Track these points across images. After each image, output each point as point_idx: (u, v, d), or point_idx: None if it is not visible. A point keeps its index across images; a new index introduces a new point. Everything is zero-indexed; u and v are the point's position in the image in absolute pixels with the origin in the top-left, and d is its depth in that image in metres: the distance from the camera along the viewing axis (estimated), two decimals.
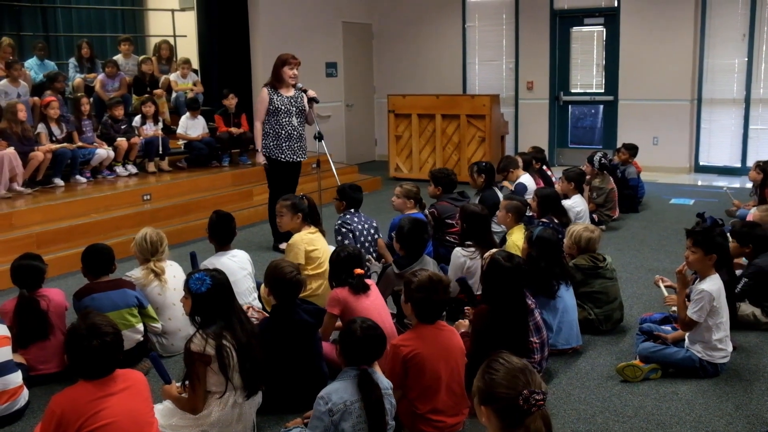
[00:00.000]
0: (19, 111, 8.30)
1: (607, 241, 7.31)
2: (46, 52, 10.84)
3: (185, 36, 12.48)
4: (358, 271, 4.35)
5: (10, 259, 4.86)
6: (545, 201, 6.31)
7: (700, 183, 11.43)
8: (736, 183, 10.93)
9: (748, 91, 11.56)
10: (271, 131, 7.29)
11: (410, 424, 3.68)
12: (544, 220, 6.20)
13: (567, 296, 4.77)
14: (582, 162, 9.04)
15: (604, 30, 12.43)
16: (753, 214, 6.67)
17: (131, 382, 3.16)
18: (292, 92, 7.37)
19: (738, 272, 5.24)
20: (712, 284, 4.30)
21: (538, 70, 12.82)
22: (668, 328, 4.72)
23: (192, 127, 10.12)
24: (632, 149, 9.45)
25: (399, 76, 13.97)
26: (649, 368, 4.40)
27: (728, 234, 5.15)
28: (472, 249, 5.29)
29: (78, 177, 8.96)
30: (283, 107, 7.25)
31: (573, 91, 12.85)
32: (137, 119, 9.81)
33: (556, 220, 6.20)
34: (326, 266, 5.53)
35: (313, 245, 5.51)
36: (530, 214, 6.46)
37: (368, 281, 4.44)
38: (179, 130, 10.13)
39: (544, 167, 8.84)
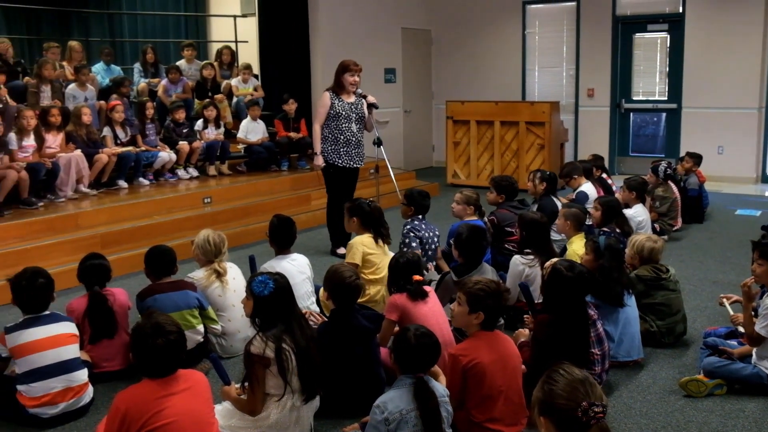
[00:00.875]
0: (84, 114, 8.51)
1: (670, 252, 7.16)
2: (113, 57, 11.11)
3: (246, 41, 12.65)
4: (417, 277, 4.33)
5: (76, 258, 4.98)
6: (608, 210, 6.21)
7: (767, 194, 11.12)
8: None
9: None
10: (330, 136, 7.33)
11: None
12: (605, 229, 6.10)
13: (629, 307, 4.68)
14: (643, 171, 8.88)
15: (668, 36, 12.19)
16: None
17: (193, 383, 3.20)
18: (352, 98, 7.41)
19: None
20: None
21: (599, 77, 12.64)
22: (734, 342, 4.59)
23: (252, 131, 10.24)
24: (696, 158, 9.24)
25: (457, 83, 13.93)
26: (714, 383, 4.28)
27: None
28: (531, 257, 5.23)
29: (141, 179, 9.14)
30: (343, 112, 7.29)
31: (635, 98, 12.63)
32: (199, 123, 9.97)
33: (617, 230, 6.10)
34: (384, 272, 5.56)
35: (372, 249, 5.54)
36: (589, 222, 6.36)
37: (427, 288, 4.43)
38: (239, 135, 10.26)
39: (604, 175, 8.70)
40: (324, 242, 7.91)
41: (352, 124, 7.35)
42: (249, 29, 12.78)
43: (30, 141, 7.87)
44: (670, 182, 8.35)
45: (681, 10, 11.91)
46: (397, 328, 4.32)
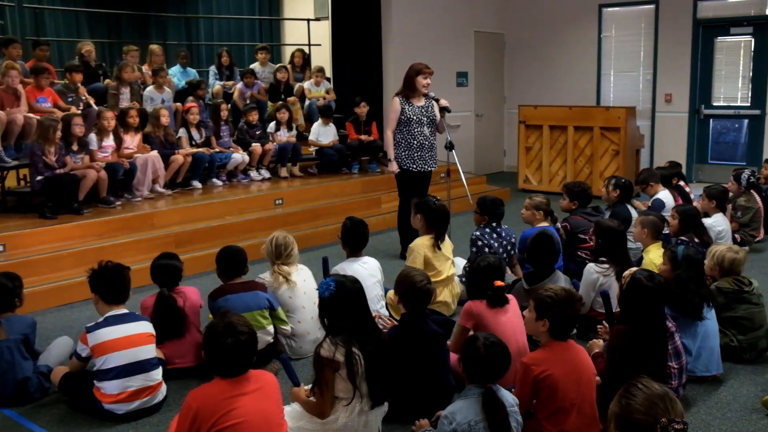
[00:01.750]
0: (162, 116, 8.70)
1: (751, 264, 6.90)
2: (189, 60, 11.33)
3: (319, 45, 12.76)
4: (499, 283, 4.25)
5: (151, 257, 5.07)
6: (686, 218, 6.02)
7: None
8: None
9: None
10: (403, 141, 7.30)
11: None
12: (683, 238, 5.92)
13: (709, 321, 4.51)
14: (722, 179, 8.60)
15: (753, 40, 11.79)
16: None
17: (263, 383, 3.21)
18: (423, 101, 7.37)
19: None
20: None
21: (677, 82, 12.30)
22: None
23: (323, 134, 10.30)
24: None
25: (530, 87, 13.76)
26: None
27: None
28: (606, 266, 5.11)
29: (214, 180, 9.29)
30: (414, 117, 7.26)
31: (715, 104, 12.25)
32: (272, 125, 10.08)
33: (696, 239, 5.91)
34: (446, 274, 5.53)
35: (433, 253, 5.52)
36: (666, 231, 6.18)
37: (509, 295, 4.35)
38: (311, 137, 10.33)
39: (682, 183, 8.46)
40: (394, 245, 7.89)
41: (424, 128, 7.31)
42: (322, 32, 12.89)
43: (109, 141, 8.08)
44: (752, 191, 8.06)
45: (767, 13, 11.50)
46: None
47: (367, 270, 5.21)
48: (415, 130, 7.27)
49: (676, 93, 12.32)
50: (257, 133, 9.82)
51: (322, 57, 12.67)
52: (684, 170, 9.52)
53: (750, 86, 11.89)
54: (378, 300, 5.25)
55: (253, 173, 9.73)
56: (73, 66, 8.96)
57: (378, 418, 3.68)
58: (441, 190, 8.38)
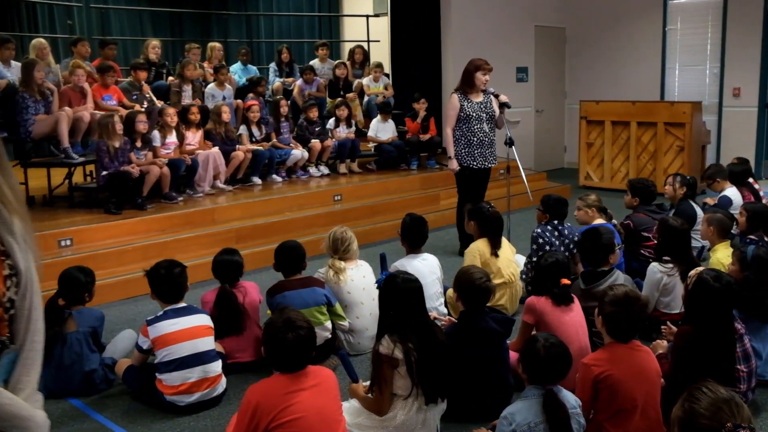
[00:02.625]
0: (223, 113, 8.81)
1: None
2: (249, 57, 11.44)
3: (378, 41, 12.76)
4: (565, 281, 4.19)
5: (212, 252, 5.13)
6: (755, 216, 5.83)
7: None
8: None
9: None
10: (463, 138, 7.25)
11: None
12: (752, 237, 5.74)
13: None
14: None
15: None
16: None
17: (322, 379, 3.21)
18: (481, 97, 7.30)
19: None
20: None
21: (746, 76, 11.94)
22: None
23: (382, 130, 10.30)
24: None
25: (592, 82, 13.54)
26: None
27: None
28: (670, 265, 4.99)
29: (274, 176, 9.37)
30: (474, 113, 7.19)
31: None
32: (331, 122, 10.12)
33: (766, 238, 5.72)
34: (505, 277, 5.47)
35: (489, 255, 5.47)
36: (735, 230, 6.00)
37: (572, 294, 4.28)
38: (370, 133, 10.34)
39: (751, 180, 8.21)
40: (452, 242, 7.85)
41: (484, 124, 7.25)
42: (381, 28, 12.89)
43: (172, 138, 8.22)
44: None
45: None
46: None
47: (426, 267, 5.18)
48: (475, 126, 7.20)
49: (745, 87, 11.96)
50: (316, 129, 9.87)
51: (380, 53, 12.67)
52: (752, 167, 9.23)
53: None
54: (437, 297, 5.22)
55: (312, 169, 9.78)
56: (138, 64, 9.13)
57: (436, 416, 3.66)
58: (500, 187, 8.32)
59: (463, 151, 7.25)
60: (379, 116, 10.34)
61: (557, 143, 14.16)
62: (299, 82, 10.86)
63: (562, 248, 5.76)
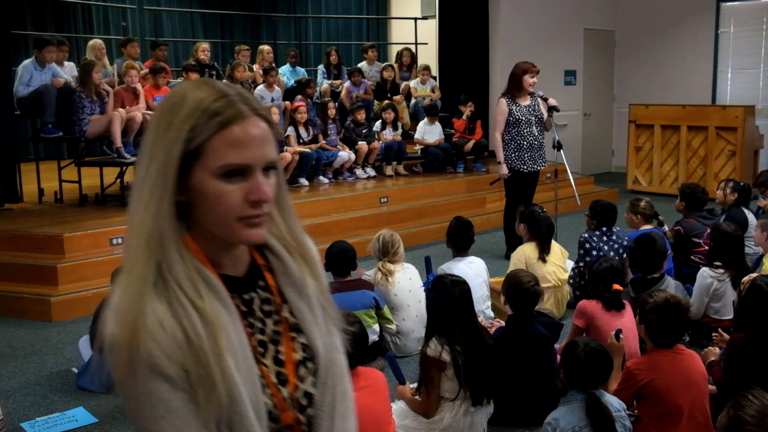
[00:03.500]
0: (273, 114, 8.91)
1: None
2: (298, 59, 11.54)
3: (426, 43, 12.77)
4: (617, 286, 4.18)
5: None
6: None
7: None
8: None
9: None
10: (513, 142, 7.22)
11: None
12: None
13: None
14: None
15: None
16: None
17: (373, 381, 3.25)
18: (529, 100, 7.28)
19: None
20: None
21: None
22: None
23: (429, 132, 10.30)
24: None
25: (641, 85, 13.37)
26: None
27: None
28: (721, 270, 4.92)
29: (321, 178, 9.43)
30: (523, 117, 7.17)
31: None
32: (378, 124, 10.16)
33: None
34: (552, 282, 5.44)
35: (536, 260, 5.44)
36: None
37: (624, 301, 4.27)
38: (417, 136, 10.35)
39: None
40: (499, 245, 7.82)
41: (533, 128, 7.22)
42: (429, 31, 12.89)
43: None
44: None
45: None
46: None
47: (473, 270, 5.18)
48: (525, 130, 7.18)
49: None
50: (363, 131, 9.91)
51: (428, 55, 12.67)
52: None
53: None
54: (483, 300, 5.22)
55: (359, 171, 9.83)
56: (189, 65, 9.27)
57: (483, 419, 3.67)
58: (548, 191, 8.27)
59: (513, 155, 7.23)
60: (426, 119, 10.34)
61: (605, 147, 14.01)
62: (347, 84, 10.92)
63: (611, 253, 5.71)
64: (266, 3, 15.09)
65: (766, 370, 3.55)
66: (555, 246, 5.72)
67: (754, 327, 3.68)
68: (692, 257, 6.01)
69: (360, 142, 9.72)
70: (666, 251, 4.92)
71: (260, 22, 15.27)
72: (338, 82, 11.21)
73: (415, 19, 12.97)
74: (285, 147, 8.98)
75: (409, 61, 11.71)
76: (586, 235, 5.81)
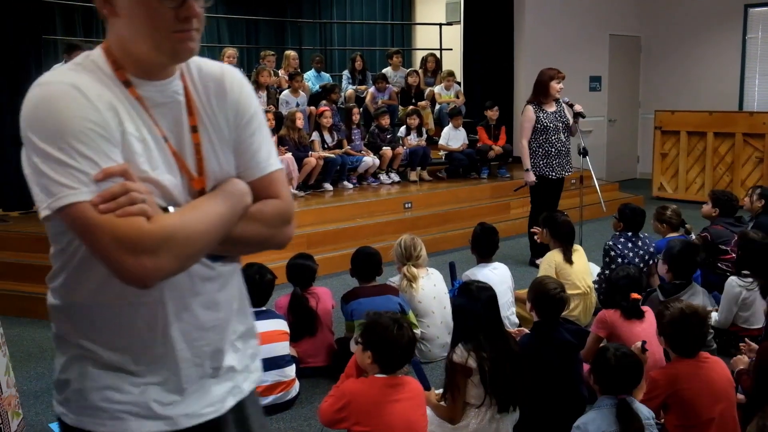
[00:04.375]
0: (297, 119, 8.95)
1: None
2: (323, 64, 11.60)
3: (450, 49, 12.77)
4: (635, 296, 4.16)
5: (284, 256, 5.22)
6: None
7: None
8: None
9: None
10: (540, 149, 7.20)
11: None
12: None
13: None
14: None
15: None
16: None
17: (415, 393, 3.26)
18: (554, 107, 7.26)
19: None
20: None
21: None
22: None
23: (453, 138, 10.30)
24: None
25: (667, 91, 13.27)
26: None
27: None
28: (750, 279, 4.88)
29: (345, 183, 9.47)
30: (551, 124, 7.15)
31: None
32: (402, 130, 10.18)
33: None
34: (581, 288, 5.41)
35: (564, 266, 5.42)
36: None
37: (644, 307, 4.24)
38: (441, 141, 10.36)
39: None
40: (523, 252, 7.79)
41: (560, 134, 7.21)
42: (453, 37, 12.89)
43: None
44: None
45: None
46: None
47: (497, 276, 5.17)
48: (553, 137, 7.16)
49: None
50: (388, 137, 9.93)
51: (452, 61, 12.68)
52: None
53: None
54: (508, 306, 5.20)
55: (383, 176, 9.85)
56: None
57: (509, 425, 3.65)
58: (573, 197, 8.23)
59: (541, 162, 7.21)
60: (450, 124, 10.33)
61: (630, 153, 13.93)
62: (372, 89, 10.94)
63: (636, 260, 5.67)
64: (292, 9, 15.20)
65: None
66: (581, 252, 5.69)
67: None
68: (719, 264, 5.96)
69: (384, 148, 9.74)
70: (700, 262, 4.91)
71: (285, 28, 15.38)
72: (363, 87, 11.24)
73: (440, 24, 12.98)
74: (310, 152, 9.02)
75: (433, 67, 11.72)
76: (610, 242, 5.78)
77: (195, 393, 1.62)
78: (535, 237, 6.05)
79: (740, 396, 3.67)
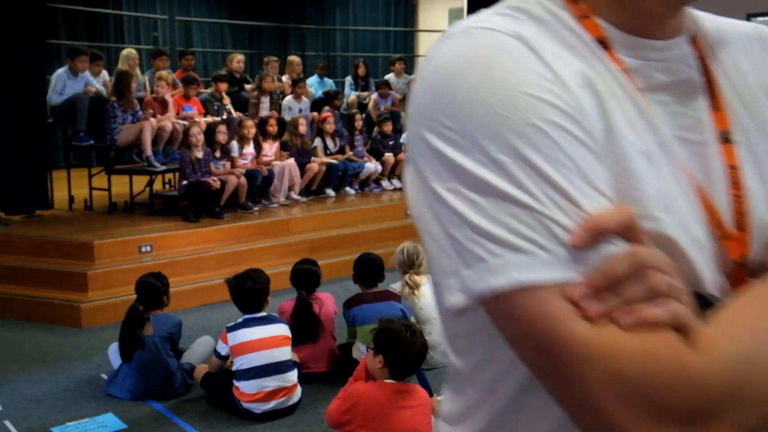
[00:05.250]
0: (300, 125, 8.95)
1: None
2: (326, 70, 11.60)
3: None
4: None
5: (286, 262, 5.23)
6: None
7: None
8: None
9: None
10: None
11: None
12: None
13: None
14: None
15: None
16: None
17: (423, 402, 3.27)
18: None
19: None
20: None
21: None
22: None
23: None
24: None
25: None
26: None
27: None
28: None
29: (347, 189, 9.46)
30: None
31: None
32: (404, 136, 10.17)
33: None
34: None
35: None
36: None
37: None
38: None
39: None
40: None
41: None
42: None
43: (250, 149, 8.38)
44: None
45: None
46: None
47: None
48: None
49: None
50: (390, 143, 9.93)
51: None
52: None
53: None
54: None
55: (386, 183, 9.85)
56: (219, 76, 9.36)
57: None
58: None
59: None
60: None
61: None
62: (374, 96, 10.95)
63: None
64: (295, 14, 15.23)
65: None
66: None
67: None
68: None
69: (387, 154, 9.74)
70: None
71: (288, 34, 15.40)
72: (365, 94, 11.25)
73: (443, 31, 12.95)
74: (312, 158, 9.02)
75: None
76: None
77: None
78: None
79: None
